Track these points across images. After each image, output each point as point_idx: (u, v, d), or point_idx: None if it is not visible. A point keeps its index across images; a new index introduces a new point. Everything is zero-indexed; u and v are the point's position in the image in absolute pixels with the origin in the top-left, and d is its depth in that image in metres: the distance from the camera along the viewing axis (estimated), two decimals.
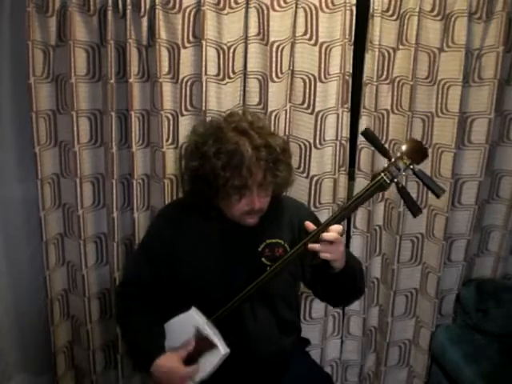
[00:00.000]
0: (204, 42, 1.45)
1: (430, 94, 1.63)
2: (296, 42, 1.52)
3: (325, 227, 1.14)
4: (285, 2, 1.48)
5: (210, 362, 1.17)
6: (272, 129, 1.54)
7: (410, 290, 1.84)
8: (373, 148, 1.66)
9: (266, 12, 1.47)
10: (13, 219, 1.65)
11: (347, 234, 1.79)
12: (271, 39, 1.48)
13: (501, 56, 1.56)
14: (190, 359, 1.19)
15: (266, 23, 1.48)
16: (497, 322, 1.76)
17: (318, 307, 1.78)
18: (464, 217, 1.74)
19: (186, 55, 1.49)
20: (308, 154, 1.62)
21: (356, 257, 1.42)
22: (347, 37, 1.53)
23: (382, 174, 1.13)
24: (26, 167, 1.58)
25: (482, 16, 1.55)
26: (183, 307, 1.24)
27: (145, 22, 1.45)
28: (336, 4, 1.50)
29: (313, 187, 1.66)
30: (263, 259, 1.29)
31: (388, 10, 1.56)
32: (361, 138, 1.69)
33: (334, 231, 1.13)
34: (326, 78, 1.56)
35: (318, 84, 1.56)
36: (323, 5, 1.50)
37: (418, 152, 1.17)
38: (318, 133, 1.60)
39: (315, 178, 1.65)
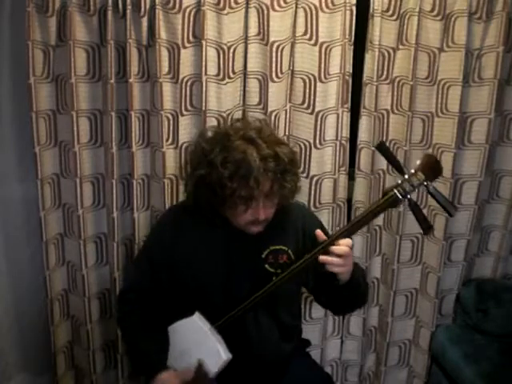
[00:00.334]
0: (204, 42, 1.45)
1: (430, 94, 1.63)
2: (296, 41, 1.52)
3: (334, 240, 1.12)
4: (285, 2, 1.48)
5: (211, 367, 1.17)
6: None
7: (410, 290, 1.84)
8: (373, 148, 1.67)
9: (265, 12, 1.47)
10: (13, 219, 1.65)
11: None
12: (271, 39, 1.48)
13: (501, 56, 1.56)
14: None
15: (265, 23, 1.48)
16: (497, 322, 1.76)
17: (318, 307, 1.76)
18: (464, 217, 1.74)
19: (186, 55, 1.49)
20: (308, 153, 1.62)
21: (361, 267, 1.41)
22: (347, 37, 1.53)
23: (395, 190, 1.10)
24: (26, 167, 1.58)
25: (482, 16, 1.54)
26: (185, 312, 1.23)
27: (145, 22, 1.45)
28: (336, 4, 1.50)
29: (313, 187, 1.66)
30: (266, 266, 1.28)
31: (388, 10, 1.56)
32: (361, 138, 1.69)
33: (343, 245, 1.11)
34: (325, 78, 1.56)
35: (318, 84, 1.56)
36: (323, 5, 1.50)
37: (433, 168, 1.13)
38: (318, 133, 1.60)
39: (315, 178, 1.65)
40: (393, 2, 1.55)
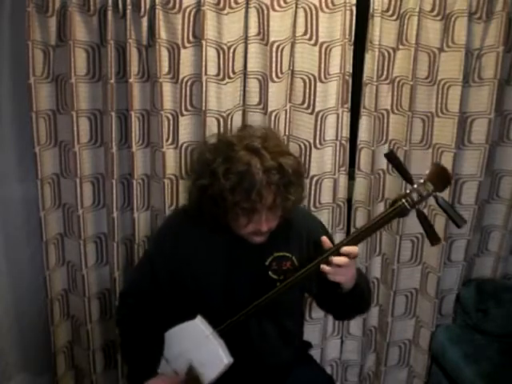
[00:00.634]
0: (204, 42, 1.45)
1: (430, 94, 1.63)
2: (296, 41, 1.52)
3: (339, 248, 1.11)
4: (285, 2, 1.48)
5: (212, 371, 1.17)
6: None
7: (410, 290, 1.84)
8: (373, 148, 1.67)
9: (265, 12, 1.47)
10: (13, 219, 1.65)
11: (347, 234, 1.79)
12: (271, 39, 1.48)
13: (501, 56, 1.56)
14: None
15: (265, 23, 1.48)
16: (497, 322, 1.76)
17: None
18: (464, 217, 1.73)
19: (186, 55, 1.49)
20: (308, 153, 1.62)
21: (365, 274, 1.40)
22: (347, 37, 1.53)
23: (404, 200, 1.09)
24: (26, 167, 1.58)
25: (482, 16, 1.54)
26: (185, 317, 1.22)
27: (145, 21, 1.44)
28: (336, 4, 1.50)
29: (313, 187, 1.66)
30: (270, 272, 1.27)
31: (388, 10, 1.56)
32: (361, 138, 1.69)
33: (349, 253, 1.10)
34: (325, 77, 1.56)
35: (318, 84, 1.56)
36: (323, 5, 1.50)
37: (442, 178, 1.12)
38: (318, 133, 1.60)
39: (315, 178, 1.65)
40: (393, 2, 1.55)
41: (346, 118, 1.64)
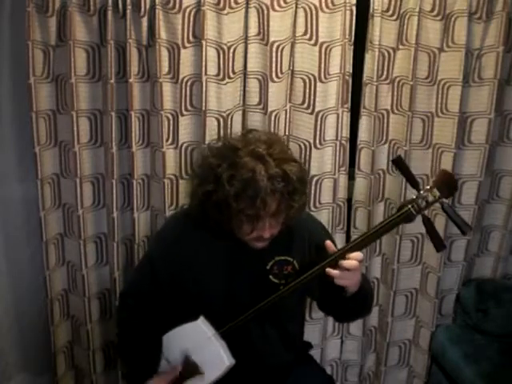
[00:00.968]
0: (204, 42, 1.45)
1: (430, 94, 1.63)
2: (296, 41, 1.52)
3: (344, 252, 1.11)
4: (285, 2, 1.48)
5: (214, 372, 1.17)
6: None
7: (410, 290, 1.84)
8: (373, 148, 1.67)
9: (265, 12, 1.47)
10: (13, 219, 1.65)
11: (347, 234, 1.79)
12: (271, 39, 1.48)
13: (501, 56, 1.56)
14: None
15: (266, 23, 1.48)
16: (497, 322, 1.76)
17: None
18: (464, 217, 1.71)
19: (186, 55, 1.49)
20: (308, 154, 1.62)
21: (368, 279, 1.40)
22: (347, 37, 1.53)
23: (410, 206, 1.09)
24: (26, 167, 1.58)
25: (482, 16, 1.54)
26: (186, 320, 1.22)
27: (145, 21, 1.44)
28: (336, 4, 1.50)
29: (313, 187, 1.65)
30: (271, 277, 1.27)
31: (388, 10, 1.56)
32: (361, 138, 1.69)
33: (353, 258, 1.10)
34: (325, 77, 1.56)
35: (318, 84, 1.56)
36: (323, 5, 1.49)
37: (448, 185, 1.13)
38: (318, 133, 1.60)
39: (315, 178, 1.65)
40: (393, 2, 1.55)
41: (346, 118, 1.64)
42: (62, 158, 1.60)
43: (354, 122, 1.67)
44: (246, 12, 1.48)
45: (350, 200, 1.77)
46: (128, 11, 1.42)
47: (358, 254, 1.11)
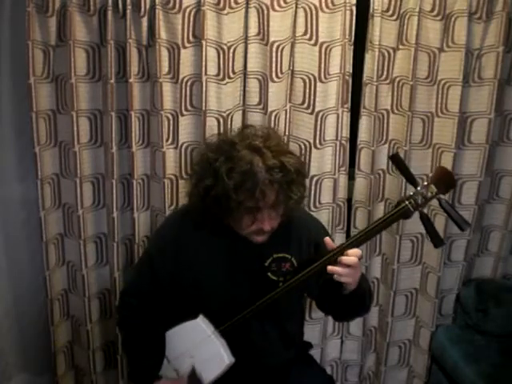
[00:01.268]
0: (204, 42, 1.45)
1: (430, 94, 1.63)
2: (296, 41, 1.52)
3: (343, 249, 1.11)
4: (285, 2, 1.48)
5: (214, 370, 1.17)
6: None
7: (410, 290, 1.84)
8: (373, 148, 1.67)
9: (265, 12, 1.47)
10: (13, 219, 1.65)
11: (347, 234, 1.79)
12: (271, 39, 1.48)
13: (501, 56, 1.56)
14: None
15: (266, 23, 1.48)
16: (497, 322, 1.76)
17: None
18: (464, 217, 1.73)
19: (186, 55, 1.49)
20: (308, 154, 1.62)
21: (366, 277, 1.40)
22: (347, 37, 1.53)
23: (407, 202, 1.10)
24: (26, 167, 1.58)
25: (482, 16, 1.54)
26: (186, 318, 1.22)
27: (145, 21, 1.44)
28: (336, 4, 1.50)
29: (313, 187, 1.66)
30: (269, 274, 1.27)
31: (388, 10, 1.56)
32: (361, 138, 1.69)
33: (353, 255, 1.10)
34: (325, 77, 1.56)
35: (318, 84, 1.56)
36: (323, 5, 1.49)
37: (446, 181, 1.13)
38: (318, 133, 1.60)
39: (315, 178, 1.65)
40: (393, 2, 1.55)
41: (346, 118, 1.64)
42: (62, 158, 1.60)
43: (354, 122, 1.67)
44: (246, 12, 1.48)
45: (350, 200, 1.77)
46: (128, 11, 1.42)
47: (356, 251, 1.11)
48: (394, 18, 1.57)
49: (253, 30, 1.49)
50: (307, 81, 1.56)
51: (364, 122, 1.67)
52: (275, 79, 1.52)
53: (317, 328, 1.79)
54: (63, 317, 1.75)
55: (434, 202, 1.15)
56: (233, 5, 1.46)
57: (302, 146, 1.62)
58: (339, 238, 1.73)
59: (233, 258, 1.28)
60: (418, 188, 1.11)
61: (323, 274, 1.13)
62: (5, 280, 1.67)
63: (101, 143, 1.60)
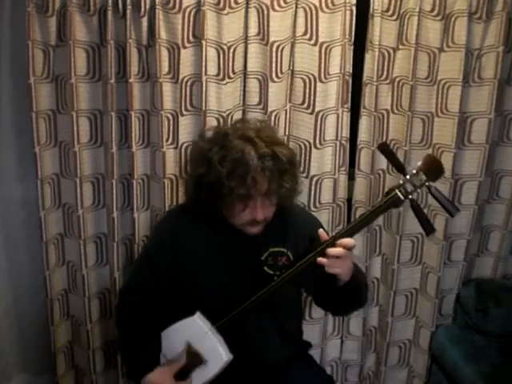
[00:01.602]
0: (204, 42, 1.45)
1: (430, 94, 1.63)
2: (296, 41, 1.52)
3: (335, 240, 1.12)
4: (285, 2, 1.48)
5: (212, 368, 1.17)
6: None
7: (410, 290, 1.84)
8: (373, 148, 1.67)
9: (265, 12, 1.47)
10: (13, 219, 1.65)
11: None
12: (271, 39, 1.48)
13: (501, 56, 1.56)
14: (182, 374, 1.20)
15: (266, 23, 1.48)
16: (497, 322, 1.76)
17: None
18: (464, 217, 1.74)
19: (186, 55, 1.49)
20: (308, 154, 1.62)
21: (361, 269, 1.41)
22: (347, 37, 1.53)
23: (397, 191, 1.11)
24: (26, 167, 1.58)
25: (482, 16, 1.54)
26: (184, 314, 1.23)
27: (145, 21, 1.44)
28: (336, 4, 1.50)
29: (313, 187, 1.66)
30: (266, 268, 1.28)
31: (388, 10, 1.56)
32: (361, 138, 1.69)
33: (341, 245, 1.11)
34: (325, 77, 1.56)
35: (318, 84, 1.56)
36: (323, 5, 1.50)
37: (435, 169, 1.14)
38: (318, 133, 1.60)
39: (315, 178, 1.65)
40: (393, 2, 1.55)
41: (346, 118, 1.64)
42: (62, 158, 1.60)
43: (354, 122, 1.67)
44: (246, 12, 1.48)
45: (350, 200, 1.77)
46: (128, 11, 1.42)
47: (348, 241, 1.12)
48: (394, 17, 1.57)
49: (253, 29, 1.49)
50: (307, 81, 1.56)
51: (364, 122, 1.67)
52: (275, 79, 1.52)
53: (317, 328, 1.79)
54: (63, 317, 1.75)
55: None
56: (233, 5, 1.47)
57: (302, 146, 1.62)
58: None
59: (229, 253, 1.28)
60: (407, 176, 1.12)
61: (317, 267, 1.14)
62: (5, 280, 1.67)
63: (101, 143, 1.60)
